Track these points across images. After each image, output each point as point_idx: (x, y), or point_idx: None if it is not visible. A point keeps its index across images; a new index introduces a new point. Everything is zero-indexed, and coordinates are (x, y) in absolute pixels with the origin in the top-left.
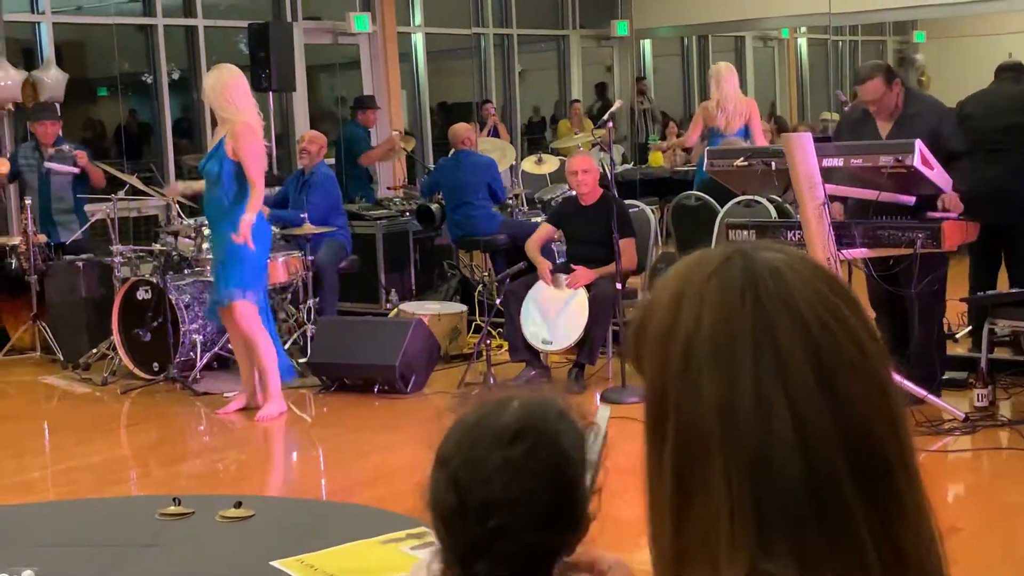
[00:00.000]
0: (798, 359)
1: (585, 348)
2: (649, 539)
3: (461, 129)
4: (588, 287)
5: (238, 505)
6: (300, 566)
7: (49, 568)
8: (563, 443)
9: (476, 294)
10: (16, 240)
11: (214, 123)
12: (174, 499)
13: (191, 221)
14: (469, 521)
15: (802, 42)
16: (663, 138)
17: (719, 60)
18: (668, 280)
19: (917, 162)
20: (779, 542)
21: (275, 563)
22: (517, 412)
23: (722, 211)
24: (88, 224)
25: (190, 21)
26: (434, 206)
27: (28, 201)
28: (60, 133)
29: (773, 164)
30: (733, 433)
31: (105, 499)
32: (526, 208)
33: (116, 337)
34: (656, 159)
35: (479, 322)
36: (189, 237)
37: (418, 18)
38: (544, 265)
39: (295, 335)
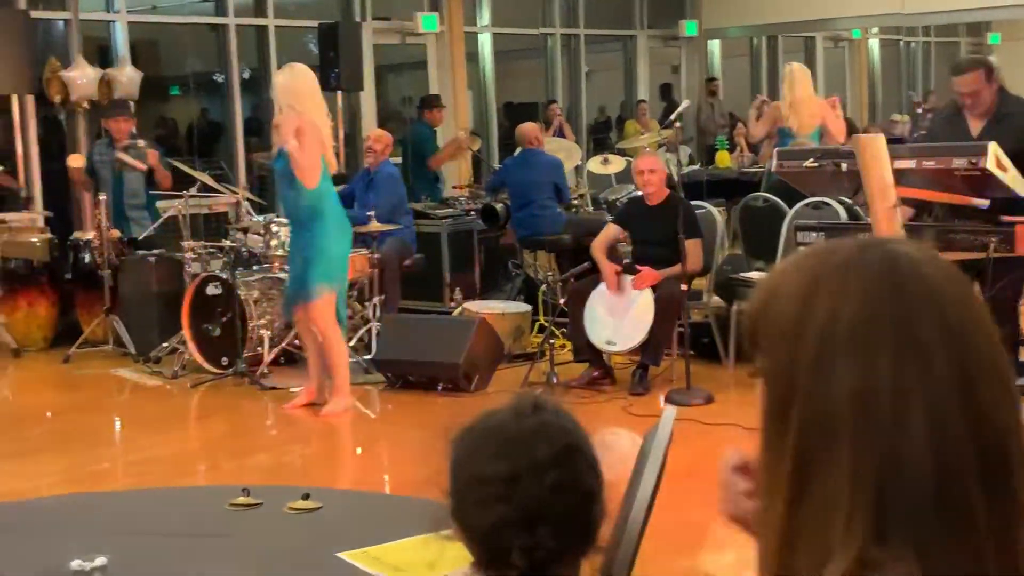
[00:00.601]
0: (939, 355)
1: (649, 349)
2: (757, 521)
3: (529, 128)
4: (653, 288)
5: (306, 497)
6: (366, 558)
7: (121, 556)
8: (568, 418)
9: (540, 294)
10: (90, 235)
11: None
12: (243, 490)
13: (260, 218)
14: (527, 483)
15: (874, 43)
16: (730, 139)
17: (789, 61)
18: (793, 268)
19: (990, 164)
20: (896, 532)
21: (341, 554)
22: (520, 396)
23: (790, 213)
24: (160, 220)
25: (261, 21)
26: (499, 205)
27: (102, 197)
28: (134, 130)
29: (844, 165)
30: (866, 424)
31: (176, 489)
32: (591, 208)
33: (186, 332)
34: (723, 160)
35: (543, 322)
36: (258, 233)
37: (485, 18)
38: (609, 269)
39: (360, 332)
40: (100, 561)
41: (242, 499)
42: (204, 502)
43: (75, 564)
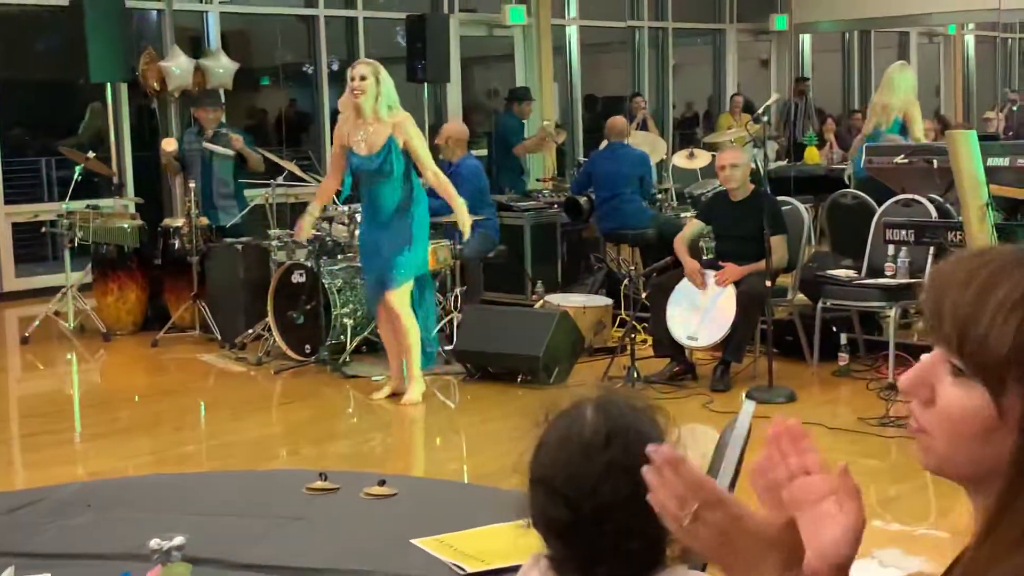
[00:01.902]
0: None
1: (731, 345)
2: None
3: (618, 121)
4: (737, 284)
5: (382, 483)
6: (440, 545)
7: (199, 535)
8: (646, 432)
9: (622, 288)
10: (180, 222)
11: None
12: (320, 474)
13: (345, 208)
14: (588, 530)
15: (969, 39)
16: (819, 135)
17: (881, 56)
18: None
19: None
20: None
21: (415, 541)
22: (597, 417)
23: (879, 210)
24: (247, 208)
25: (350, 12)
26: (583, 199)
27: (192, 185)
28: (222, 119)
29: (935, 162)
30: None
31: (256, 472)
32: (676, 203)
33: (271, 319)
34: (812, 156)
35: (624, 316)
36: (343, 223)
37: (573, 11)
38: (693, 265)
39: (442, 323)
40: (178, 540)
41: (319, 483)
42: (282, 485)
43: (154, 543)
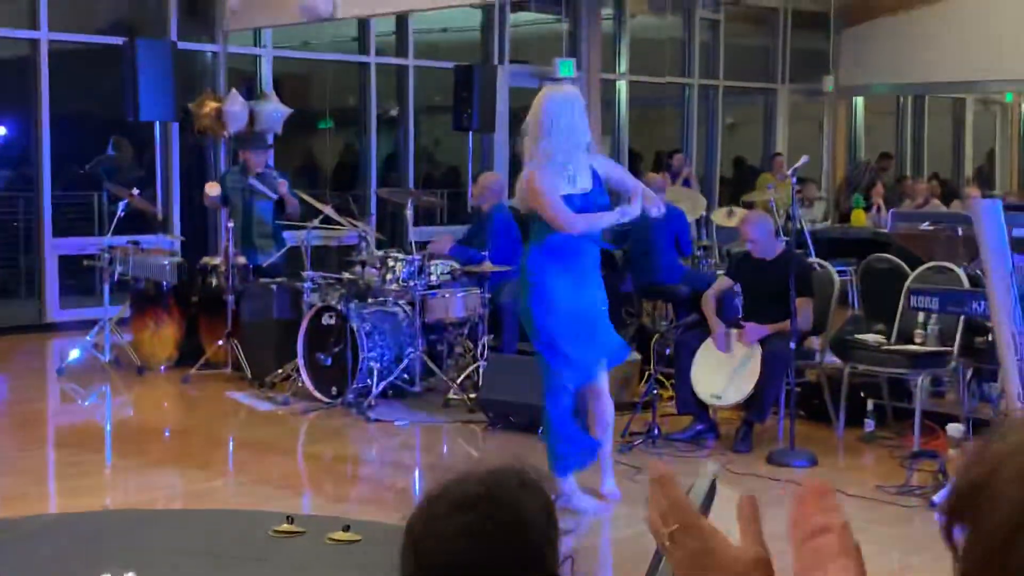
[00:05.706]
0: None
1: (755, 406)
2: None
3: (650, 178)
4: (763, 343)
5: (346, 528)
6: None
7: (150, 573)
8: (524, 509)
9: (652, 343)
10: (218, 260)
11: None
12: (288, 517)
13: (380, 252)
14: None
15: None
16: (867, 198)
17: (935, 122)
18: None
19: None
20: None
21: None
22: (477, 480)
23: (911, 276)
24: (283, 249)
25: (401, 60)
26: (617, 252)
27: (231, 224)
28: (269, 162)
29: (960, 231)
30: None
31: (225, 511)
32: (716, 260)
33: (300, 360)
34: (858, 218)
35: (652, 372)
36: (375, 267)
37: (623, 66)
38: (716, 326)
39: (468, 370)
40: None
41: (285, 526)
42: (249, 526)
43: None
